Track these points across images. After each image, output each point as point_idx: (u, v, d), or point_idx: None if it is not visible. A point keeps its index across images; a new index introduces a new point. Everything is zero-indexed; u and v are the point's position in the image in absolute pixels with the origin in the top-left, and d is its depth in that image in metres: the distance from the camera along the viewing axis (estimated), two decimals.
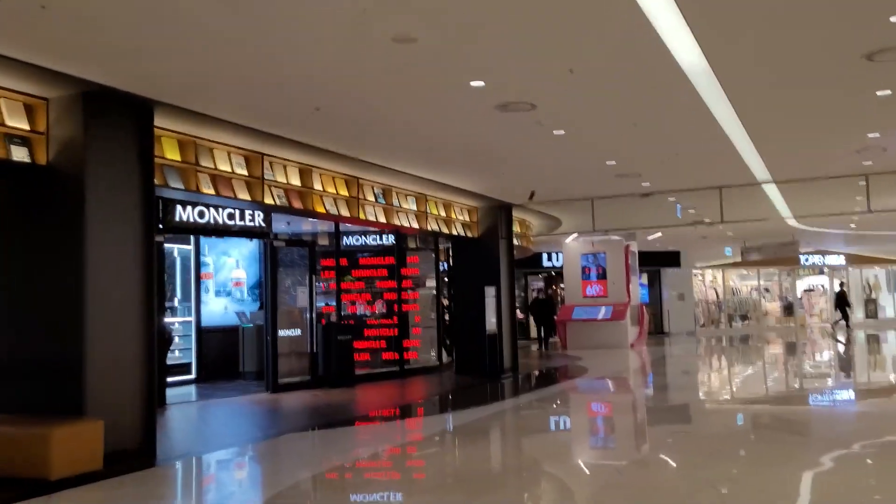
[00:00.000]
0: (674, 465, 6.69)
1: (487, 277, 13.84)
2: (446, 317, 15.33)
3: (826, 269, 32.13)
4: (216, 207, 10.66)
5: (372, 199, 11.18)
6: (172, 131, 7.93)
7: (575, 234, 20.81)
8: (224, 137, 8.39)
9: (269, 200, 9.08)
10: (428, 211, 12.67)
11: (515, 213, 15.30)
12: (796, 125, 9.22)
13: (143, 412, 6.82)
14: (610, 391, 12.44)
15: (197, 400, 11.21)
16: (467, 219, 14.08)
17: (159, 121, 7.40)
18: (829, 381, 13.55)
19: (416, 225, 12.32)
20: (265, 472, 6.96)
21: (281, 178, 9.37)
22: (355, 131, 8.49)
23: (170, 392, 11.16)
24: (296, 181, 9.65)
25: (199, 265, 14.36)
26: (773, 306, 32.06)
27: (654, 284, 28.43)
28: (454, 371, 14.14)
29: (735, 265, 29.81)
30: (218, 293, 15.27)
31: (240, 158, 8.80)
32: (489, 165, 10.68)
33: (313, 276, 12.51)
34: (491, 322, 13.34)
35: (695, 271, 29.84)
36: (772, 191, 14.00)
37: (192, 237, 14.01)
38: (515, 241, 16.17)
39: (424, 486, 6.15)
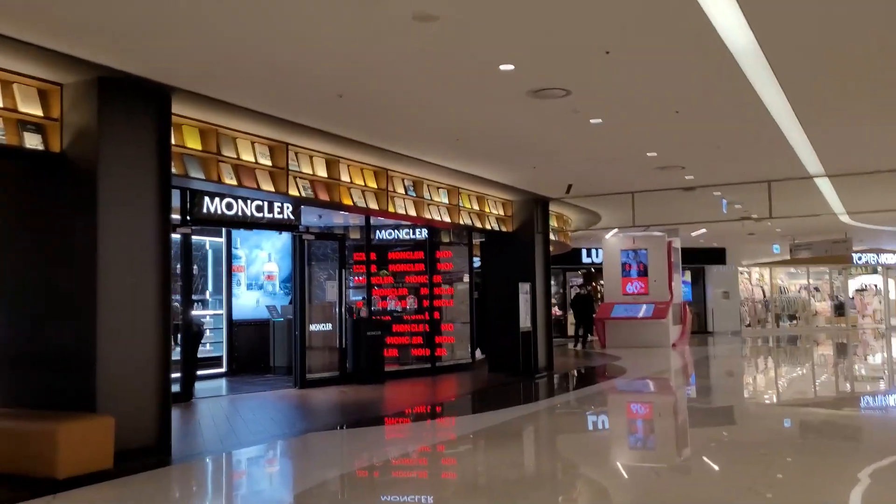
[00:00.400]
0: (716, 469, 6.24)
1: (522, 273, 13.42)
2: (480, 313, 14.95)
3: (880, 269, 30.90)
4: (245, 199, 10.45)
5: (402, 191, 10.85)
6: (193, 119, 7.70)
7: (615, 230, 20.24)
8: (246, 126, 8.13)
9: (293, 192, 8.80)
10: (460, 204, 12.30)
11: (552, 208, 14.85)
12: (853, 114, 8.60)
13: (159, 408, 6.59)
14: (649, 392, 11.94)
15: (226, 394, 11.03)
16: (502, 213, 13.67)
17: (179, 108, 7.17)
18: (882, 385, 12.83)
19: (447, 219, 11.96)
20: (285, 473, 6.68)
21: (307, 169, 9.09)
22: (381, 119, 8.16)
23: (199, 386, 11.04)
24: (322, 172, 9.36)
25: (230, 258, 14.23)
26: (823, 306, 30.94)
27: (698, 282, 27.67)
28: (487, 369, 13.77)
29: (783, 263, 28.82)
30: (250, 286, 15.15)
31: (263, 148, 8.54)
32: (523, 156, 10.26)
33: (343, 271, 12.24)
34: (525, 319, 12.92)
35: (740, 269, 28.94)
36: (824, 185, 13.29)
37: (223, 230, 13.90)
38: (552, 237, 15.72)
39: (455, 489, 5.80)
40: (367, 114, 7.89)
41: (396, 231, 15.39)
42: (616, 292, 20.91)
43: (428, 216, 11.39)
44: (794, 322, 30.23)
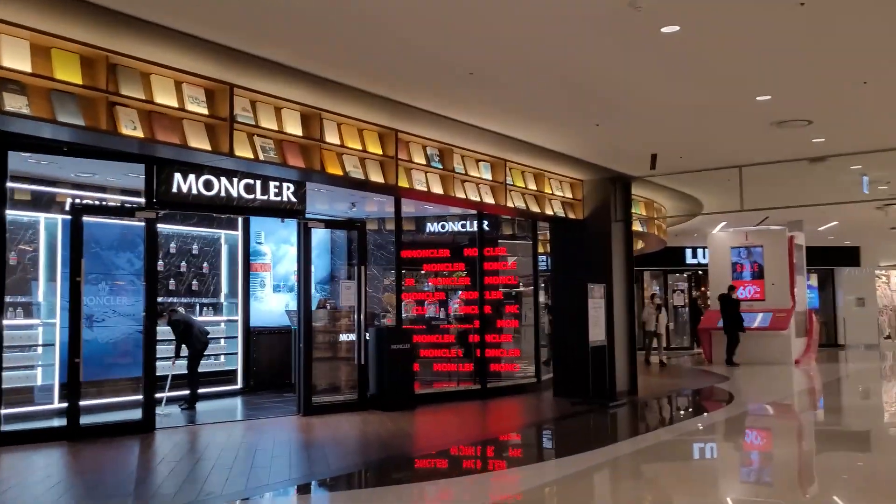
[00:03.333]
0: None
1: (594, 272, 10.58)
2: (547, 322, 12.19)
3: None
4: (230, 177, 8.23)
5: (421, 160, 8.28)
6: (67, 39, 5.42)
7: (722, 224, 16.92)
8: (162, 54, 5.80)
9: (243, 152, 6.40)
10: (509, 182, 9.61)
11: (637, 190, 11.87)
12: None
13: None
14: (765, 432, 8.84)
15: (200, 423, 8.76)
16: (569, 195, 10.87)
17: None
18: None
19: (490, 200, 9.29)
20: None
21: (269, 124, 6.69)
22: (382, 59, 5.66)
23: (206, 406, 9.09)
24: (294, 129, 6.95)
25: (247, 254, 12.11)
26: None
27: (826, 287, 23.80)
28: (552, 392, 10.99)
29: None
30: (277, 288, 12.96)
31: (196, 90, 6.19)
32: (591, 108, 7.50)
33: (363, 269, 9.79)
34: (597, 330, 10.06)
35: (878, 272, 24.64)
36: None
37: (239, 220, 11.81)
38: (638, 227, 12.72)
39: None
40: (356, 39, 5.40)
41: (439, 223, 12.96)
42: None
43: (461, 195, 8.76)
44: None
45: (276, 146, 6.72)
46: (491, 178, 9.31)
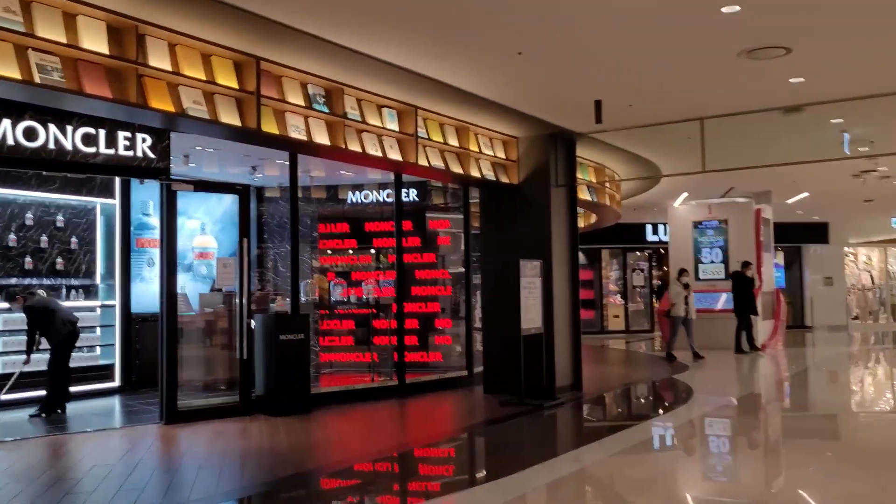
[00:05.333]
0: None
1: (531, 247, 8.91)
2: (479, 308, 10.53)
3: None
4: (60, 122, 6.37)
5: (298, 100, 6.46)
6: None
7: (684, 195, 15.38)
8: None
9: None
10: (423, 136, 7.85)
11: (585, 153, 10.22)
12: None
13: None
14: (722, 444, 7.26)
15: (33, 436, 6.95)
16: (501, 155, 9.15)
17: None
18: None
19: (396, 156, 7.53)
20: None
21: (48, 33, 4.84)
22: None
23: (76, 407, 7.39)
24: (100, 47, 5.10)
25: (127, 228, 10.25)
26: None
27: (793, 266, 22.50)
28: (483, 388, 9.34)
29: None
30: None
31: None
32: (509, 29, 5.76)
33: (246, 242, 8.00)
34: (531, 316, 8.39)
35: (847, 249, 23.41)
36: None
37: (117, 184, 9.97)
38: (589, 196, 11.08)
39: None
40: None
41: (359, 193, 11.36)
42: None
43: (355, 148, 6.97)
44: None
45: (67, 67, 4.88)
46: (398, 129, 7.53)
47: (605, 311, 21.38)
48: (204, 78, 5.57)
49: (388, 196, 11.32)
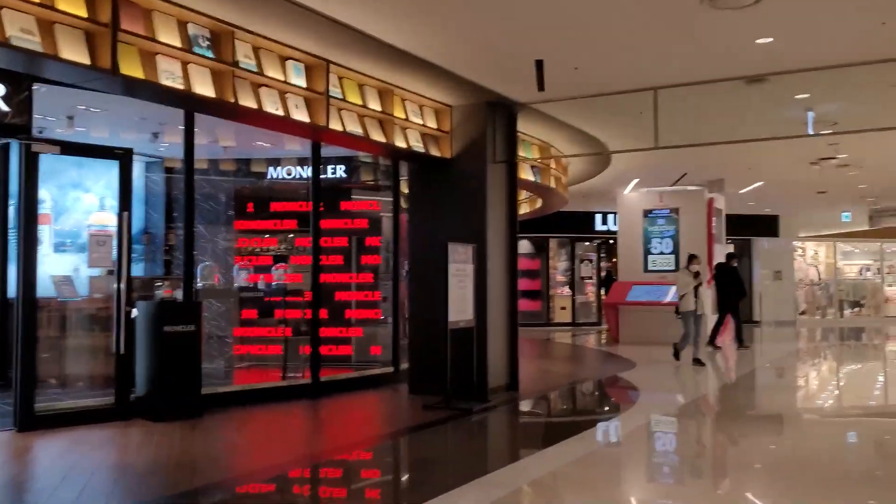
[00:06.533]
0: None
1: (464, 229, 7.89)
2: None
3: None
4: None
5: (174, 41, 5.27)
6: None
7: (635, 181, 14.57)
8: None
9: None
10: (337, 96, 6.73)
11: (529, 128, 9.24)
12: None
13: None
14: (678, 455, 6.36)
15: None
16: (433, 125, 8.09)
17: None
18: None
19: (302, 117, 6.38)
20: None
21: None
22: None
23: None
24: None
25: (4, 200, 8.93)
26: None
27: (743, 259, 21.94)
28: (408, 388, 8.30)
29: (851, 235, 22.84)
30: (60, 247, 9.79)
31: None
32: None
33: (126, 216, 6.81)
34: (460, 308, 7.37)
35: (796, 244, 23.05)
36: None
37: None
38: (532, 177, 10.12)
39: None
40: None
41: (293, 168, 10.33)
42: (634, 269, 15.29)
43: (248, 103, 5.81)
44: (856, 310, 24.27)
45: None
46: (305, 87, 6.40)
47: (552, 302, 20.58)
48: (38, 0, 4.38)
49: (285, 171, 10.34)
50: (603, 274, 21.05)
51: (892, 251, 24.67)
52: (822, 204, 18.40)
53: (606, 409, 8.47)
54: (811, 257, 25.08)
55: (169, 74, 5.20)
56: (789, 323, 21.70)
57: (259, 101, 5.94)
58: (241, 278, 8.40)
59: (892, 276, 24.95)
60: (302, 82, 6.35)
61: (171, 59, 5.25)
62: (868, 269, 25.51)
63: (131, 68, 4.92)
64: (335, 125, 6.62)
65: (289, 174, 10.66)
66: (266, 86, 6.04)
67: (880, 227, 18.24)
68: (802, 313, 23.09)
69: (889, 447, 6.31)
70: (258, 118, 6.04)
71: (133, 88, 5.13)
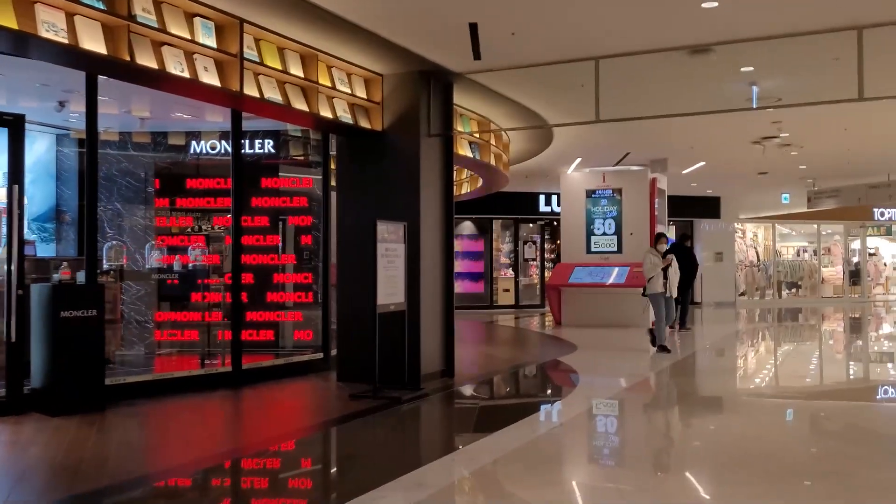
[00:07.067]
0: None
1: (396, 206, 7.42)
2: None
3: None
4: None
5: None
6: None
7: (578, 160, 14.28)
8: None
9: None
10: (252, 58, 6.15)
11: (466, 101, 8.78)
12: None
13: None
14: (620, 446, 6.04)
15: None
16: (362, 95, 7.57)
17: None
18: None
19: (209, 80, 5.79)
20: None
21: None
22: None
23: None
24: None
25: None
26: (832, 273, 25.35)
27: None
28: (336, 375, 7.82)
29: (790, 217, 23.09)
30: None
31: None
32: None
33: (16, 190, 6.13)
34: (391, 290, 6.90)
35: (736, 226, 23.22)
36: None
37: None
38: (469, 153, 9.70)
39: None
40: None
41: (206, 143, 9.72)
42: (577, 250, 15.03)
43: (146, 62, 5.20)
44: (794, 291, 24.68)
45: None
46: (216, 47, 5.81)
47: (496, 284, 20.29)
48: None
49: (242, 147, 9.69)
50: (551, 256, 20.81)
51: (827, 233, 25.14)
52: (762, 185, 18.46)
53: (545, 395, 8.14)
54: (751, 239, 25.40)
55: (51, 26, 4.57)
56: (729, 304, 21.88)
57: (162, 62, 5.33)
58: (154, 259, 7.76)
59: (828, 258, 25.48)
60: (212, 42, 5.76)
61: (52, 8, 4.62)
62: (805, 251, 25.99)
63: (3, 17, 4.28)
64: (251, 91, 6.06)
65: (213, 149, 10.01)
66: (169, 44, 5.43)
67: (817, 210, 18.38)
68: (742, 294, 23.36)
69: (824, 427, 6.10)
70: (161, 80, 5.44)
71: (6, 42, 4.48)
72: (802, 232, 25.94)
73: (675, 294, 10.34)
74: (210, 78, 5.72)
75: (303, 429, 5.96)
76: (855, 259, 25.13)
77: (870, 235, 25.76)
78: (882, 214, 23.93)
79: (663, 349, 9.91)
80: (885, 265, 27.19)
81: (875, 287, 25.93)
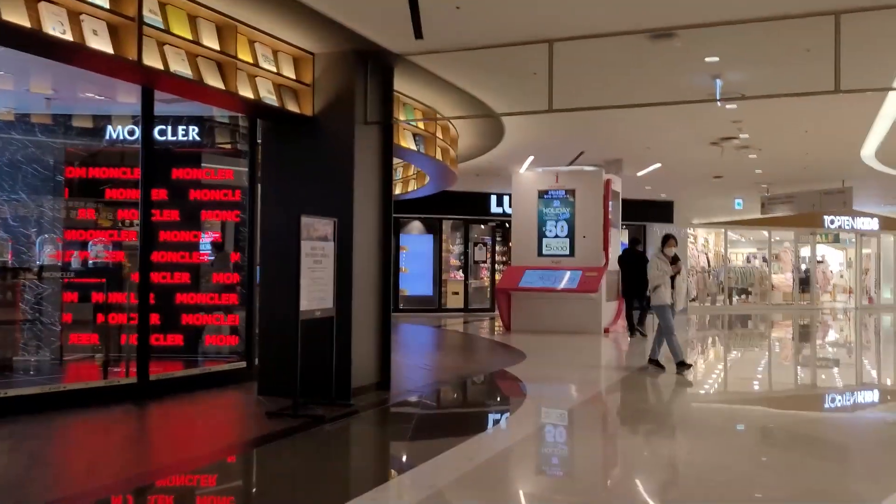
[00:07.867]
0: None
1: (326, 200, 6.65)
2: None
3: (848, 237, 25.59)
4: None
5: None
6: None
7: (531, 158, 13.66)
8: None
9: None
10: (156, 25, 5.31)
11: (403, 81, 7.99)
12: None
13: None
14: (562, 476, 5.37)
15: None
16: (290, 75, 6.77)
17: None
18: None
19: (99, 46, 4.94)
20: None
21: None
22: None
23: None
24: None
25: None
26: (782, 279, 25.32)
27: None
28: (257, 388, 7.00)
29: (742, 223, 22.92)
30: None
31: None
32: None
33: None
34: (317, 294, 6.11)
35: (689, 230, 22.98)
36: None
37: None
38: (413, 145, 8.96)
39: None
40: None
41: (125, 129, 8.82)
42: (528, 252, 14.42)
43: (16, 21, 4.34)
44: (744, 297, 24.56)
45: None
46: (108, 7, 4.95)
47: (445, 287, 19.60)
48: None
49: (161, 133, 8.81)
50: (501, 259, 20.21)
51: (776, 240, 25.09)
52: (716, 190, 18.14)
53: (490, 409, 7.44)
54: (702, 245, 25.22)
55: None
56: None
57: (38, 20, 4.47)
58: (46, 254, 6.84)
59: (777, 265, 25.43)
60: (103, 2, 4.90)
61: None
62: (755, 258, 25.92)
63: None
64: (152, 62, 5.21)
65: (131, 134, 9.09)
66: (50, 0, 4.57)
67: (770, 216, 18.12)
68: (693, 300, 23.11)
69: (776, 436, 5.53)
70: (36, 43, 4.57)
71: None
72: (752, 238, 25.89)
73: (682, 306, 9.30)
74: (100, 43, 4.87)
75: (196, 458, 5.01)
76: (804, 266, 25.12)
77: (818, 243, 25.83)
78: (832, 222, 23.95)
79: (683, 365, 8.68)
80: (832, 273, 27.37)
81: (822, 294, 25.99)
